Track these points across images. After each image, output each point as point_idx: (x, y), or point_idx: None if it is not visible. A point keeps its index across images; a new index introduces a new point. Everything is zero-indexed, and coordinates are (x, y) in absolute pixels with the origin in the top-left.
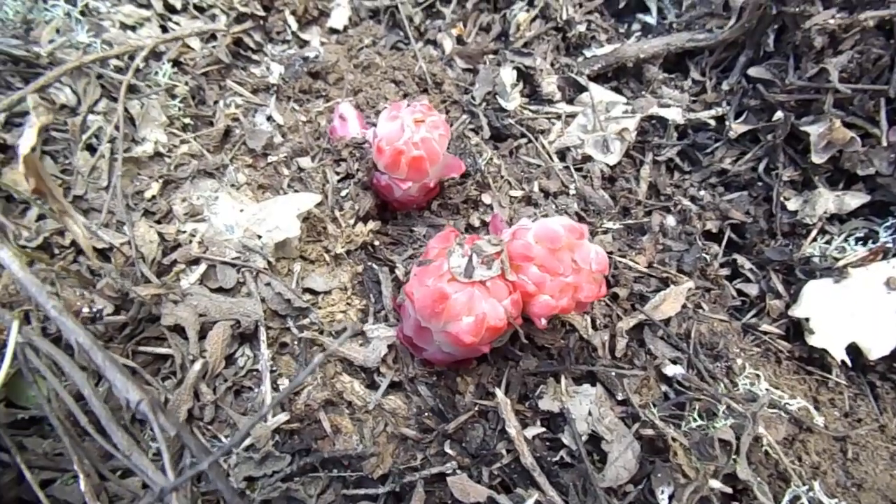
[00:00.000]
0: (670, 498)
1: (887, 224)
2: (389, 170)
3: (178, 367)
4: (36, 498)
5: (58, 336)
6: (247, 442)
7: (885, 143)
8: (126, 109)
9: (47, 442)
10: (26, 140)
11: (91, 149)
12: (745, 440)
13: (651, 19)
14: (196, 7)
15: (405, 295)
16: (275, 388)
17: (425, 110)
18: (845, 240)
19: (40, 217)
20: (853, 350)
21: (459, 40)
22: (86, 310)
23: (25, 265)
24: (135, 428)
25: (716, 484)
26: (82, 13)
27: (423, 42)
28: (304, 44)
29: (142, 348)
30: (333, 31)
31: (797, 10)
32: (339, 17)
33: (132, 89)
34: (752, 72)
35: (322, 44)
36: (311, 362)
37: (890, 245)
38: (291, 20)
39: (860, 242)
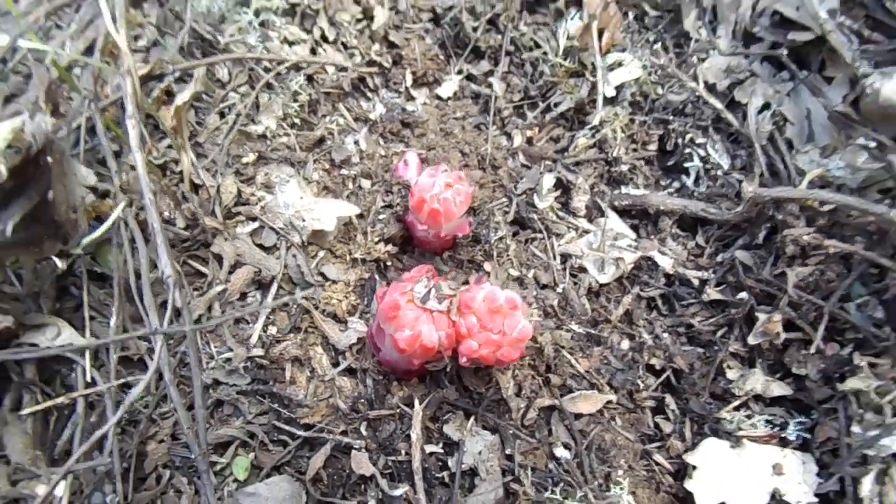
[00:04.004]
0: None
1: (798, 420)
2: (414, 212)
3: (206, 284)
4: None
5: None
6: (226, 356)
7: (813, 351)
8: (257, 97)
9: (103, 291)
10: (183, 95)
11: (221, 114)
12: None
13: (689, 182)
14: (342, 43)
15: (377, 298)
16: (263, 330)
17: (456, 180)
18: (758, 418)
19: (168, 146)
20: None
21: (529, 140)
22: (166, 213)
23: (146, 170)
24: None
25: None
26: (261, 24)
27: (500, 131)
28: (411, 98)
29: (190, 261)
30: (438, 97)
31: (783, 218)
32: (446, 89)
33: (268, 85)
34: (739, 254)
35: (423, 104)
36: (299, 325)
37: (791, 439)
38: (409, 77)
39: (768, 424)
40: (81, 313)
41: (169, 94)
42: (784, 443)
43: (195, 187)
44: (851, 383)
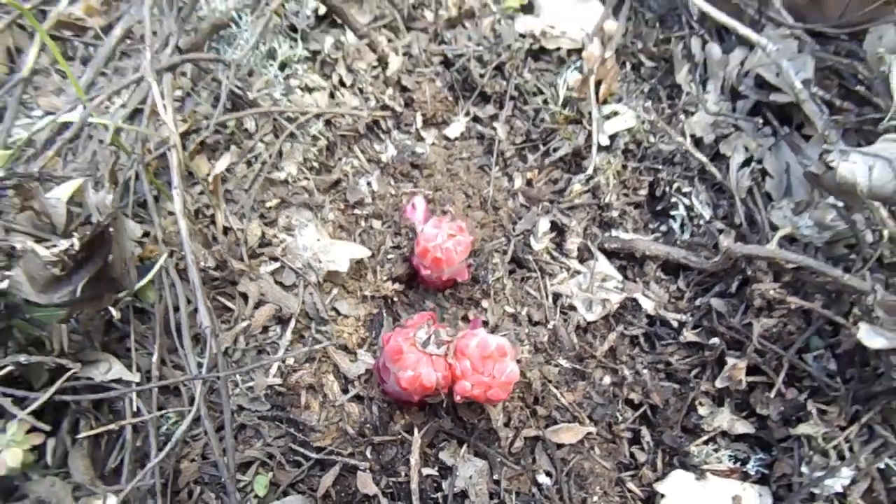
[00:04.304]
0: None
1: (758, 457)
2: (419, 258)
3: (233, 319)
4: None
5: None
6: (249, 384)
7: (774, 394)
8: (280, 146)
9: (145, 326)
10: (220, 164)
11: (249, 163)
12: None
13: (676, 226)
14: (359, 88)
15: (382, 341)
16: (283, 361)
17: (458, 231)
18: (723, 452)
19: (201, 193)
20: None
21: (529, 182)
22: (201, 261)
23: (188, 233)
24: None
25: None
26: (286, 77)
27: (502, 172)
28: (420, 139)
29: (218, 297)
30: (446, 137)
31: (752, 273)
32: (454, 130)
33: (291, 134)
34: (714, 302)
35: (432, 144)
36: (313, 356)
37: (752, 473)
38: (419, 119)
39: (732, 458)
40: (125, 344)
41: (202, 144)
42: (745, 476)
43: (224, 230)
44: (802, 428)
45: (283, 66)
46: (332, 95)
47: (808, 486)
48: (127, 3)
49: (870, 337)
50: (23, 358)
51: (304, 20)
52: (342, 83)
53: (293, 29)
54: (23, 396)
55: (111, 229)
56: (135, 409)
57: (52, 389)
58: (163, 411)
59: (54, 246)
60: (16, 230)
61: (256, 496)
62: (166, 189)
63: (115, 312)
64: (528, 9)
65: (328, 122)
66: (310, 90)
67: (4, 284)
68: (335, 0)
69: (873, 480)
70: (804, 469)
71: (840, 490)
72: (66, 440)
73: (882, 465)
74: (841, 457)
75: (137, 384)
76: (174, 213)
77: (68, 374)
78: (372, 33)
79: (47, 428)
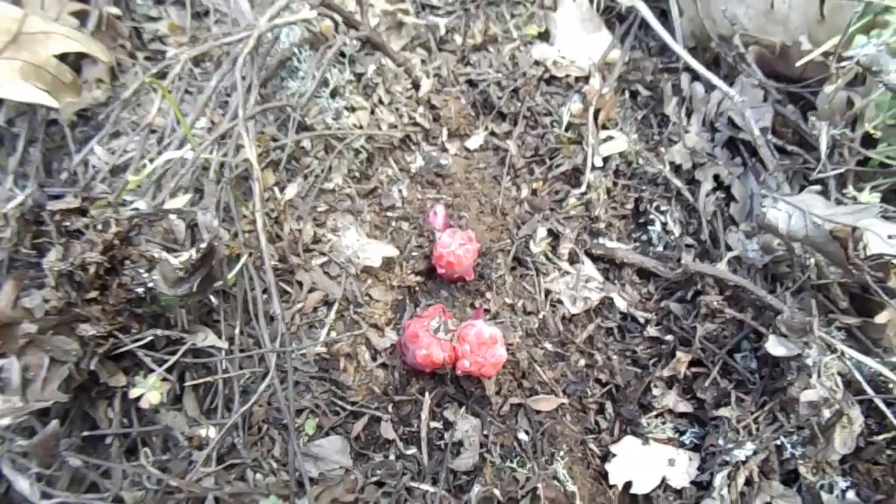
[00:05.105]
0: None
1: (693, 430)
2: (436, 259)
3: (291, 301)
4: (218, 328)
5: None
6: (303, 352)
7: (709, 383)
8: (330, 163)
9: (227, 304)
10: (288, 192)
11: (305, 176)
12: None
13: (654, 239)
14: (395, 108)
15: (404, 325)
16: (327, 335)
17: (468, 241)
18: (668, 426)
19: (268, 199)
20: (628, 485)
21: (534, 192)
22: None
23: (266, 247)
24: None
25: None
26: (335, 100)
27: (511, 182)
28: (445, 150)
29: (280, 283)
30: (466, 149)
31: (702, 286)
32: (474, 142)
33: (339, 151)
34: (673, 306)
35: (454, 155)
36: (352, 330)
37: (686, 443)
38: (445, 133)
39: (673, 430)
40: (213, 317)
41: (267, 156)
42: (681, 445)
43: (293, 232)
44: (724, 411)
45: (333, 94)
46: (372, 112)
47: (721, 455)
48: (206, 28)
49: (774, 346)
50: (159, 331)
51: (353, 48)
52: (381, 101)
53: (342, 54)
54: (160, 359)
55: (215, 244)
56: (224, 367)
57: (178, 354)
58: (242, 370)
59: (178, 256)
60: (153, 242)
61: (307, 434)
62: (244, 202)
63: (213, 299)
64: (544, 36)
65: (369, 137)
66: (353, 109)
67: (151, 283)
68: (375, 37)
69: (770, 453)
70: (720, 441)
71: (744, 458)
72: (177, 387)
73: (778, 443)
74: (749, 434)
75: (226, 350)
76: (254, 221)
77: (185, 344)
78: (408, 60)
79: (173, 378)
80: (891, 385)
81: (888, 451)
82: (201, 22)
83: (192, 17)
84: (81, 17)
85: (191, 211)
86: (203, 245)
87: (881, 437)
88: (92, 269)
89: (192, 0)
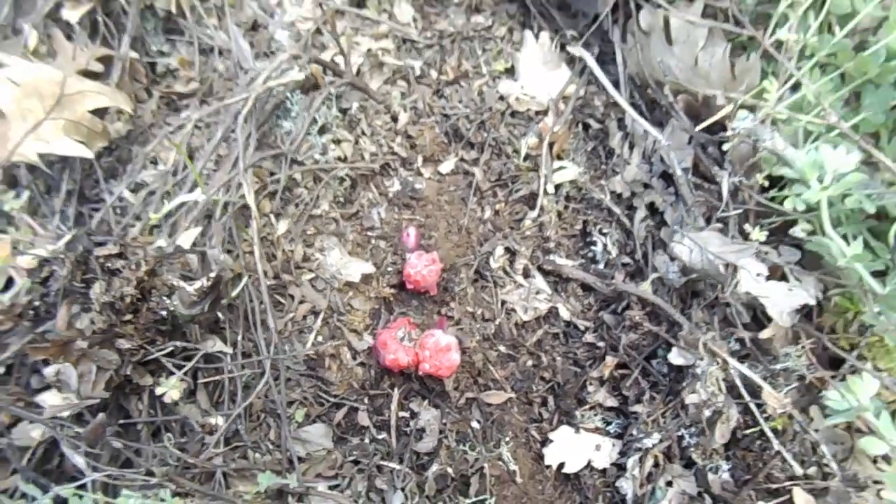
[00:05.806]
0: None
1: (618, 422)
2: (405, 279)
3: (284, 311)
4: (223, 330)
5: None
6: (294, 353)
7: (630, 383)
8: (318, 192)
9: (231, 314)
10: (280, 227)
11: (296, 205)
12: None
13: (597, 257)
14: (373, 139)
15: (377, 334)
16: (314, 339)
17: (432, 262)
18: (598, 418)
19: (264, 224)
20: (561, 465)
21: (496, 213)
22: (262, 274)
23: (263, 273)
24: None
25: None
26: (321, 136)
27: (477, 204)
28: (420, 175)
29: (275, 296)
30: (440, 173)
31: (626, 302)
32: (446, 166)
33: (326, 182)
34: (607, 317)
35: (428, 179)
36: (334, 335)
37: (611, 432)
38: (420, 159)
39: (602, 421)
40: (220, 325)
41: (265, 188)
42: (607, 433)
43: (281, 252)
44: (639, 407)
45: (321, 131)
46: (356, 143)
47: (634, 442)
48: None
49: (675, 357)
50: (178, 343)
51: (339, 88)
52: (364, 133)
53: (330, 93)
54: (178, 363)
55: (222, 274)
56: (229, 368)
57: (193, 360)
58: (244, 370)
59: (193, 284)
60: (173, 273)
61: (296, 421)
62: (244, 228)
63: (221, 315)
64: (511, 71)
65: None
66: (339, 142)
67: (172, 307)
68: (358, 82)
69: (672, 441)
70: (634, 431)
71: (650, 446)
72: (192, 385)
73: (679, 433)
74: (657, 425)
75: (231, 354)
76: (253, 246)
77: (199, 352)
78: (388, 95)
79: (188, 378)
80: (758, 389)
81: (759, 441)
82: (207, 57)
83: (199, 52)
84: (106, 62)
85: (202, 249)
86: (212, 275)
87: (751, 430)
88: (128, 299)
89: (198, 39)
